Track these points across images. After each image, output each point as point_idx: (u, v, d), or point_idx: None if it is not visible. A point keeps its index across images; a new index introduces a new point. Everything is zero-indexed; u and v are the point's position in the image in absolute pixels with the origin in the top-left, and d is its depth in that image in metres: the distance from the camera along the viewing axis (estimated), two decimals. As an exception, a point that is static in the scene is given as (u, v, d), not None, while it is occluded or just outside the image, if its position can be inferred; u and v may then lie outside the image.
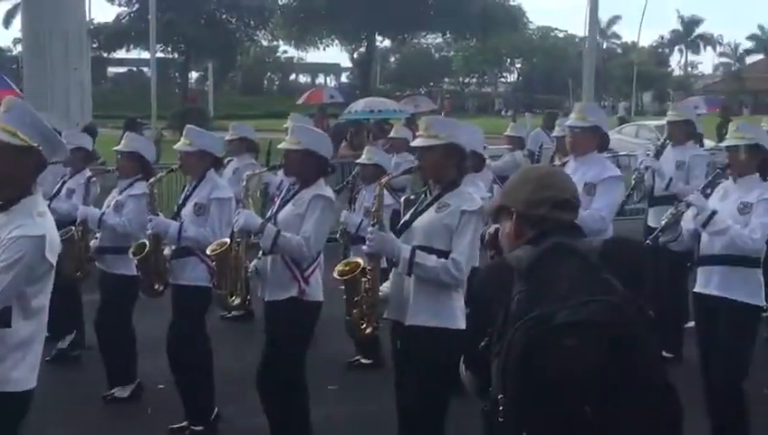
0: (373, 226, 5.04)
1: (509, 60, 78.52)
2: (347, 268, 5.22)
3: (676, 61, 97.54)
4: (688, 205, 5.89)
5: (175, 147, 6.74)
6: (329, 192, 5.74)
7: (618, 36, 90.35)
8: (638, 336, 2.66)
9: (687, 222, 5.97)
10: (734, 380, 5.85)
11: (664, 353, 8.01)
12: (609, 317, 2.61)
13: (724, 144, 6.26)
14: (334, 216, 6.03)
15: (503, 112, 64.72)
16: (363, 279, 5.10)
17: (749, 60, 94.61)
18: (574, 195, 3.10)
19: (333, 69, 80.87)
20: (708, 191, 6.19)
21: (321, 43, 52.21)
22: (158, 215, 6.50)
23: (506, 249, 3.07)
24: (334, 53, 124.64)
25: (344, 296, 5.23)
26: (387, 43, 62.71)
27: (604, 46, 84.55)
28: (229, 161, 9.33)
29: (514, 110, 56.45)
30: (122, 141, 7.49)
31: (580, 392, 2.58)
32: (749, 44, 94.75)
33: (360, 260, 5.23)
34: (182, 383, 6.54)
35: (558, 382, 2.58)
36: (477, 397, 2.98)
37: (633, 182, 8.55)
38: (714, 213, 5.78)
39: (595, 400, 2.59)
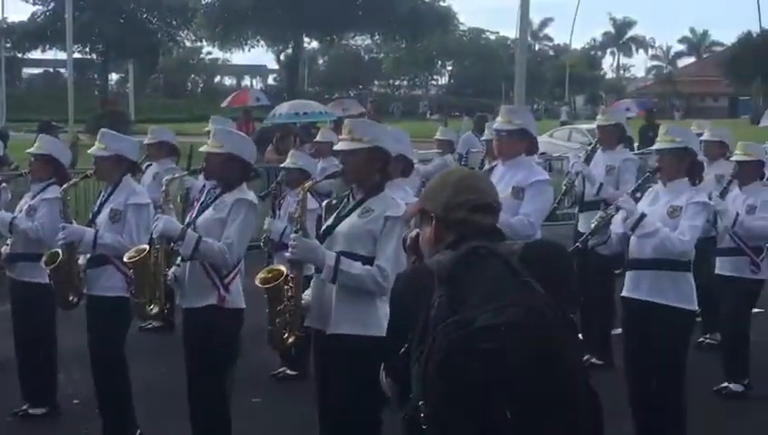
0: (296, 232, 4.90)
1: (440, 62, 78.93)
2: (269, 276, 5.06)
3: (608, 63, 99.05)
4: (618, 208, 5.84)
5: (89, 151, 6.50)
6: (251, 196, 5.58)
7: (550, 38, 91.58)
8: (559, 339, 2.64)
9: (617, 226, 5.91)
10: (669, 387, 5.79)
11: (594, 360, 8.03)
12: (530, 320, 2.60)
13: (654, 148, 6.21)
14: (257, 221, 5.85)
15: (428, 115, 64.90)
16: (286, 287, 4.95)
17: (681, 63, 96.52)
18: (494, 198, 3.07)
19: (260, 71, 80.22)
20: (638, 195, 6.13)
21: (247, 44, 51.72)
22: (71, 222, 6.25)
23: (427, 254, 3.04)
24: (260, 55, 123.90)
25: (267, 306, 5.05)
26: (315, 44, 62.46)
27: (536, 48, 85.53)
28: (149, 166, 9.09)
29: (445, 113, 56.66)
30: (35, 144, 7.21)
31: (502, 396, 2.55)
32: (681, 47, 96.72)
33: (282, 268, 5.07)
34: (102, 404, 6.29)
35: (479, 386, 2.55)
36: (398, 404, 2.94)
37: (564, 187, 8.49)
38: (643, 216, 5.73)
39: (516, 403, 2.55)
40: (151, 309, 5.84)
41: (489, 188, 3.12)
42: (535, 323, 2.60)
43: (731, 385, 7.45)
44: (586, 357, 8.11)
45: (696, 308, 5.98)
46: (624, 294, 6.03)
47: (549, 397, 2.58)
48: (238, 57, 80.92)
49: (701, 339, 8.71)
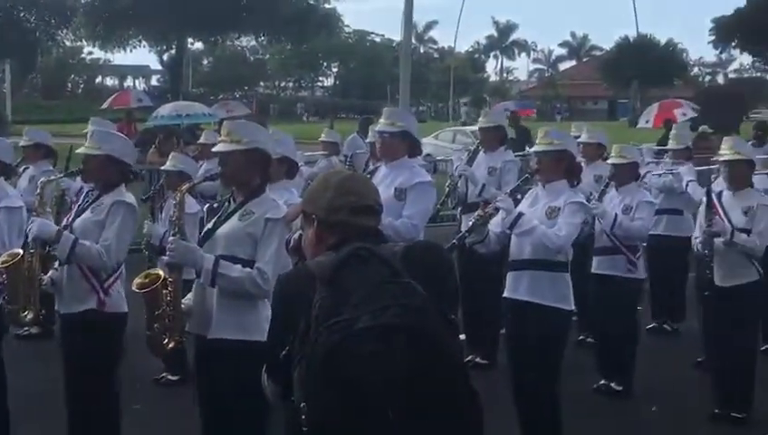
0: (174, 235, 4.80)
1: (325, 64, 78.90)
2: (147, 280, 4.95)
3: (492, 67, 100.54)
4: (496, 207, 5.90)
5: (-41, 154, 6.27)
6: (130, 198, 5.48)
7: (435, 41, 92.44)
8: (440, 340, 2.65)
9: (495, 225, 5.98)
10: (545, 384, 5.89)
11: (478, 360, 8.13)
12: (411, 321, 2.61)
13: (532, 150, 6.31)
14: (137, 223, 5.73)
15: (305, 118, 64.77)
16: (164, 291, 4.84)
17: (562, 66, 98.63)
18: (375, 200, 3.08)
19: (143, 71, 78.68)
20: (519, 197, 6.22)
21: (129, 44, 50.66)
22: None
23: (309, 256, 3.04)
24: (143, 55, 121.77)
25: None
26: (199, 45, 61.63)
27: (421, 51, 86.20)
28: (25, 169, 8.84)
29: (331, 115, 56.63)
30: None
31: (383, 397, 2.56)
32: (562, 51, 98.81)
33: (160, 272, 4.97)
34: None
35: (360, 388, 2.55)
36: (278, 406, 2.94)
37: (447, 188, 8.56)
38: (520, 215, 5.81)
39: (398, 404, 2.56)
40: (26, 315, 5.69)
41: (370, 190, 3.14)
42: (416, 324, 2.61)
43: (611, 383, 7.62)
44: (470, 357, 8.23)
45: (573, 308, 6.09)
46: (505, 294, 6.12)
47: (430, 397, 2.60)
48: (121, 57, 79.17)
49: (580, 337, 8.89)
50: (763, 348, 8.66)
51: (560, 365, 5.98)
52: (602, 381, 7.66)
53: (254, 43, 69.67)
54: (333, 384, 2.58)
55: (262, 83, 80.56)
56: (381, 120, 6.37)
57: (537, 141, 6.12)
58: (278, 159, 5.78)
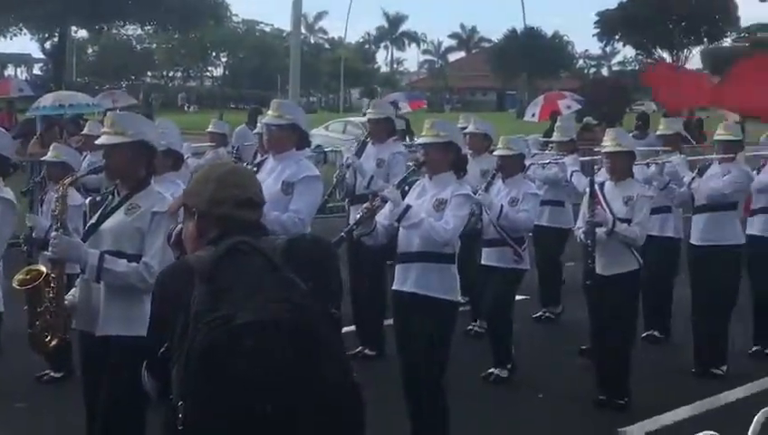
0: (57, 230, 4.69)
1: (214, 53, 77.98)
2: (28, 277, 4.82)
3: (382, 57, 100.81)
4: (383, 200, 5.92)
5: None
6: (9, 194, 5.28)
7: (325, 32, 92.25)
8: (321, 335, 2.66)
9: (383, 217, 5.99)
10: (433, 375, 5.93)
11: (367, 352, 8.16)
12: (290, 316, 2.61)
13: (418, 141, 6.34)
14: (15, 217, 5.55)
15: (186, 108, 63.93)
16: (46, 288, 4.73)
17: (451, 57, 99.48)
18: (256, 193, 3.05)
19: (24, 60, 76.22)
20: (406, 188, 6.24)
21: (9, 31, 49.19)
22: None
23: (189, 250, 3.01)
24: (24, 43, 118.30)
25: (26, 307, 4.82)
26: (83, 33, 60.19)
27: (312, 41, 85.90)
28: None
29: (220, 106, 56.02)
30: None
31: (262, 393, 2.55)
32: (451, 42, 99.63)
33: (42, 267, 4.85)
34: None
35: (238, 385, 2.55)
36: (159, 402, 2.89)
37: (335, 179, 8.55)
38: (408, 207, 5.84)
39: (277, 399, 2.56)
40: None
41: (252, 182, 3.11)
42: (296, 319, 2.61)
43: (496, 371, 7.74)
44: (359, 349, 8.26)
45: (460, 299, 6.16)
46: (393, 287, 6.14)
47: (310, 392, 2.60)
48: (1, 45, 76.79)
49: (469, 327, 9.01)
50: (644, 335, 8.92)
51: (448, 356, 6.03)
52: (490, 370, 7.77)
53: (140, 32, 68.47)
54: (211, 382, 2.56)
55: (149, 73, 79.15)
56: (269, 113, 6.30)
57: (423, 133, 6.14)
58: (163, 152, 5.69)
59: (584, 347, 8.06)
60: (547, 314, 9.97)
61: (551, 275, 9.96)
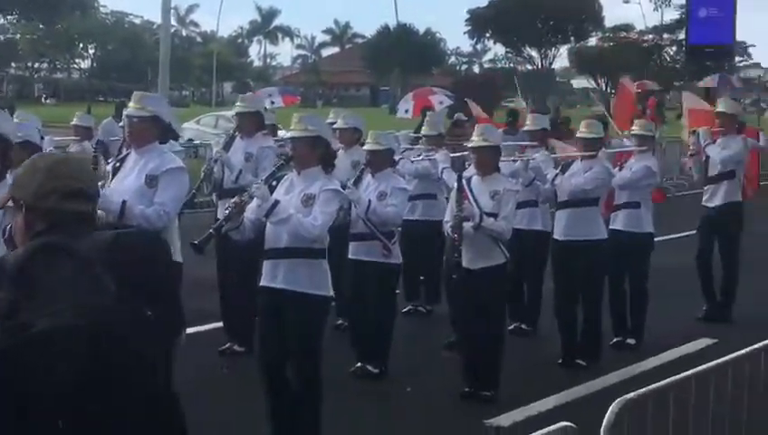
0: None
1: (81, 45, 75.99)
2: None
3: (255, 51, 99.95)
4: (251, 195, 5.84)
5: None
6: None
7: (197, 25, 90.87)
8: (127, 341, 2.50)
9: (251, 212, 5.92)
10: (305, 371, 5.89)
11: (236, 348, 8.06)
12: (91, 322, 2.44)
13: (287, 136, 6.29)
14: None
15: (44, 99, 62.19)
16: None
17: (325, 52, 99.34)
18: (87, 184, 2.86)
19: None
20: (274, 183, 6.17)
21: None
22: None
23: (18, 244, 2.81)
24: None
25: None
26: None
27: (183, 34, 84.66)
28: None
29: (89, 98, 54.68)
30: None
31: (57, 406, 2.40)
32: (325, 38, 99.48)
33: None
34: None
35: (30, 396, 2.39)
36: None
37: (203, 173, 8.42)
38: (276, 202, 5.78)
39: (74, 413, 2.41)
40: None
41: (84, 173, 2.92)
42: (97, 325, 2.45)
43: (368, 366, 7.74)
44: (227, 345, 8.16)
45: (331, 294, 6.13)
46: (262, 283, 6.07)
47: (114, 403, 2.45)
48: None
49: (339, 322, 8.99)
50: (511, 327, 9.06)
51: (319, 351, 6.00)
52: (358, 364, 7.76)
53: (3, 21, 66.23)
54: (5, 394, 2.40)
55: (13, 64, 76.62)
56: (131, 105, 6.17)
57: (291, 127, 6.10)
58: (20, 144, 5.51)
59: (451, 340, 8.12)
60: (417, 308, 10.02)
61: (425, 269, 9.98)
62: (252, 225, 5.96)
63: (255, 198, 5.87)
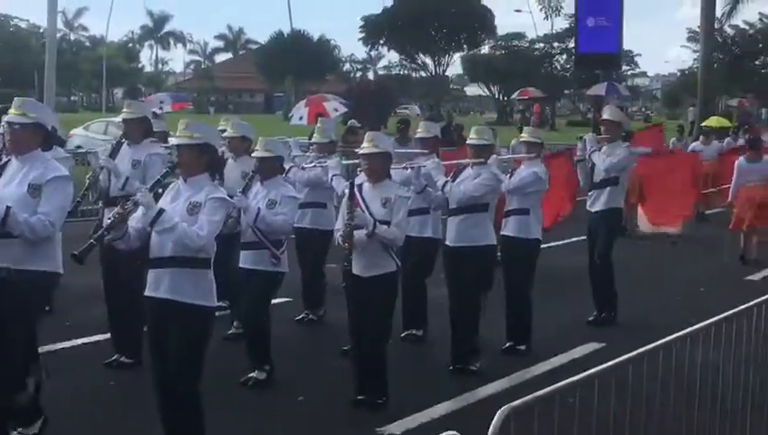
0: None
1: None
2: None
3: (147, 57, 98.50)
4: (136, 203, 5.71)
5: None
6: None
7: (86, 28, 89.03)
8: None
9: (136, 221, 5.79)
10: (189, 382, 5.79)
11: (123, 359, 7.90)
12: None
13: (173, 143, 6.18)
14: None
15: None
16: None
17: (218, 58, 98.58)
18: None
19: None
20: (160, 191, 6.04)
21: None
22: None
23: None
24: None
25: None
26: None
27: (72, 38, 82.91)
28: None
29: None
30: None
31: None
32: (218, 43, 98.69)
33: None
34: None
35: None
36: None
37: (87, 181, 8.22)
38: (161, 211, 5.66)
39: None
40: None
41: None
42: None
43: (254, 374, 7.65)
44: (115, 357, 7.97)
45: (217, 304, 6.04)
46: (146, 293, 5.93)
47: None
48: None
49: (230, 331, 8.87)
50: (404, 334, 9.08)
51: (203, 362, 5.90)
52: (250, 374, 7.67)
53: None
54: None
55: None
56: (11, 110, 5.98)
57: (177, 134, 5.98)
58: None
59: (345, 348, 8.08)
60: (310, 317, 9.95)
61: (316, 277, 9.93)
62: (137, 233, 5.83)
63: (140, 207, 5.74)
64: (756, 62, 58.63)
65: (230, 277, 7.77)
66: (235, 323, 8.87)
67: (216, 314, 6.23)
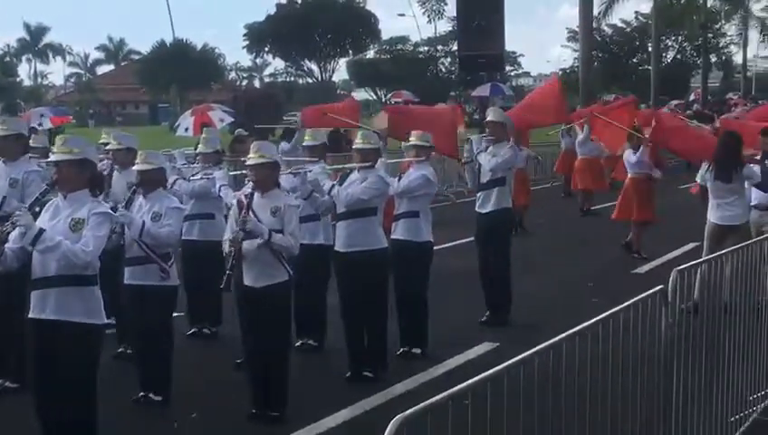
0: None
1: None
2: None
3: (25, 71, 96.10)
4: (14, 224, 5.53)
5: None
6: None
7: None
8: None
9: (16, 241, 5.61)
10: (80, 404, 5.64)
11: (8, 384, 7.67)
12: None
13: (50, 159, 6.02)
14: None
15: None
16: None
17: (100, 70, 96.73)
18: None
19: None
20: (37, 209, 5.86)
21: None
22: None
23: None
24: None
25: None
26: None
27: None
28: None
29: None
30: None
31: None
32: (99, 55, 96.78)
33: None
34: None
35: None
36: None
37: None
38: (42, 231, 5.48)
39: None
40: None
41: None
42: None
43: (151, 395, 7.48)
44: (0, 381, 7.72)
45: (105, 321, 5.91)
46: (31, 315, 5.75)
47: None
48: None
49: (120, 349, 8.67)
50: (299, 344, 9.00)
51: (96, 382, 5.75)
52: (141, 393, 7.50)
53: None
54: None
55: None
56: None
57: (55, 150, 5.84)
58: None
59: (239, 361, 7.97)
60: (203, 330, 9.79)
61: (206, 290, 9.73)
62: (14, 254, 5.65)
63: (18, 227, 5.55)
64: (634, 60, 60.29)
65: (116, 294, 7.58)
66: (123, 343, 8.67)
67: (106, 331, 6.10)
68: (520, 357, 3.93)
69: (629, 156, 14.39)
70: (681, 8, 55.34)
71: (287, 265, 7.13)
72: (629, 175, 14.57)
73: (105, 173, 8.43)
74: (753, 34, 59.58)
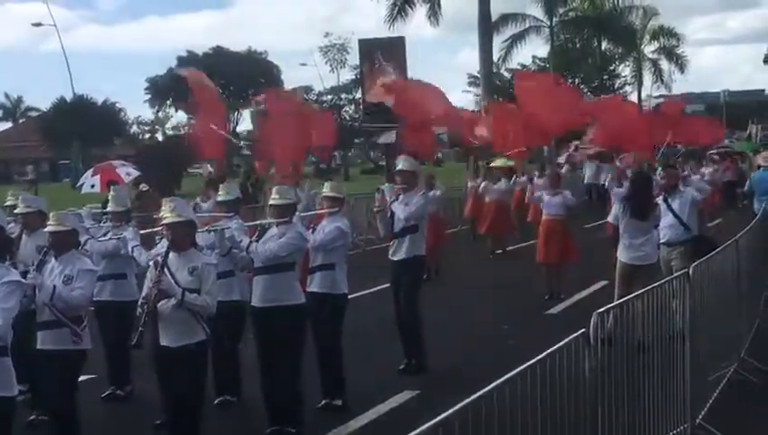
0: None
1: None
2: None
3: None
4: None
5: None
6: None
7: None
8: None
9: None
10: None
11: None
12: None
13: None
14: None
15: None
16: None
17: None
18: None
19: None
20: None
21: None
22: None
23: None
24: None
25: None
26: None
27: None
28: None
29: None
30: None
31: None
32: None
33: None
34: None
35: None
36: None
37: None
38: None
39: None
40: None
41: None
42: None
43: None
44: None
45: (16, 393, 5.76)
46: None
47: None
48: None
49: (32, 417, 8.39)
50: (217, 401, 8.85)
51: None
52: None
53: None
54: None
55: None
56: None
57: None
58: None
59: (158, 422, 7.79)
60: (117, 392, 9.54)
61: (119, 351, 9.50)
62: None
63: None
64: (533, 103, 61.34)
65: (32, 358, 7.33)
66: (36, 410, 8.40)
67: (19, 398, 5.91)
68: (454, 410, 3.90)
69: (547, 198, 14.64)
70: (577, 52, 56.75)
71: (204, 325, 7.01)
72: (545, 216, 14.78)
73: (13, 236, 8.23)
74: (647, 75, 61.40)
